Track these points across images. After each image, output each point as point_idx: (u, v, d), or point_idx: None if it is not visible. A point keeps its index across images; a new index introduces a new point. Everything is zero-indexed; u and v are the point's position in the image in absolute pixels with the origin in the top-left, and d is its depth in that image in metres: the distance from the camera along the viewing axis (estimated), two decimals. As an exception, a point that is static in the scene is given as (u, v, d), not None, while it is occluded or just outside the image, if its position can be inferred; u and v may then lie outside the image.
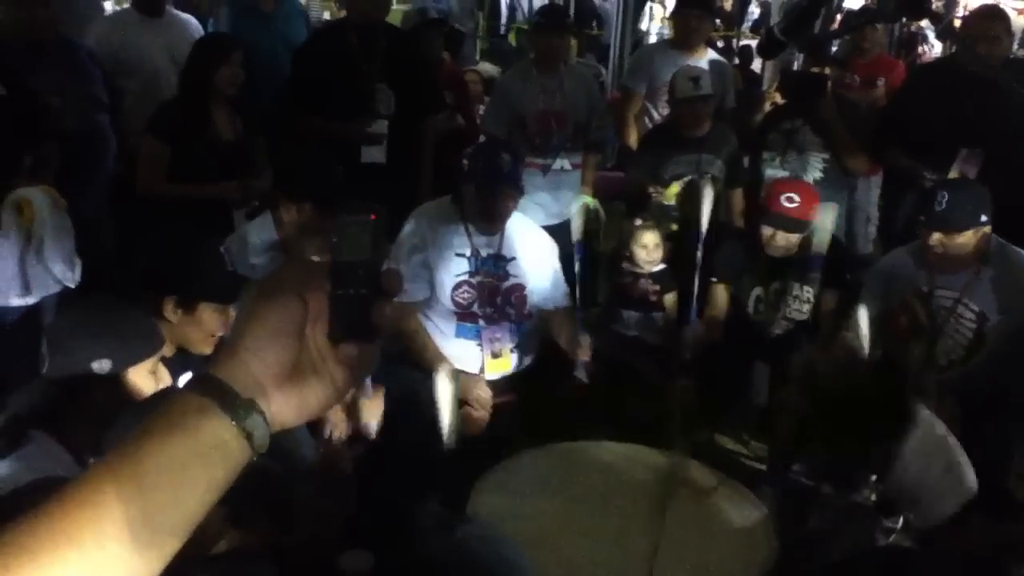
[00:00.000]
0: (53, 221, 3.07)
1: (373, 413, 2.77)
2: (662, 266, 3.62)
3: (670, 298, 3.63)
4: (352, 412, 2.72)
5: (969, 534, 2.48)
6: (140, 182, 3.51)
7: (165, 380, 2.00)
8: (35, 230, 3.05)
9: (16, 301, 3.08)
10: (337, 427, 2.71)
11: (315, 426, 2.60)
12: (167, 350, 2.22)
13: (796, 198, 3.25)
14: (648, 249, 3.58)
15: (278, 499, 2.11)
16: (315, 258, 0.73)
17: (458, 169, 3.13)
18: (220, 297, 2.25)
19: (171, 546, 0.66)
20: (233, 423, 0.68)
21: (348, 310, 0.70)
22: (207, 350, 2.28)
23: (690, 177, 3.96)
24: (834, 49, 5.34)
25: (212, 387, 0.69)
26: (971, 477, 2.39)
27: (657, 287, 3.60)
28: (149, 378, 1.95)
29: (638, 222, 3.64)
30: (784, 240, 3.27)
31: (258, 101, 3.83)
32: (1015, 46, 5.19)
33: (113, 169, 3.91)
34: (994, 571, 2.26)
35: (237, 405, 0.68)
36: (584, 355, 3.10)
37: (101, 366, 1.87)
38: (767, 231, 3.27)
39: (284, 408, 0.71)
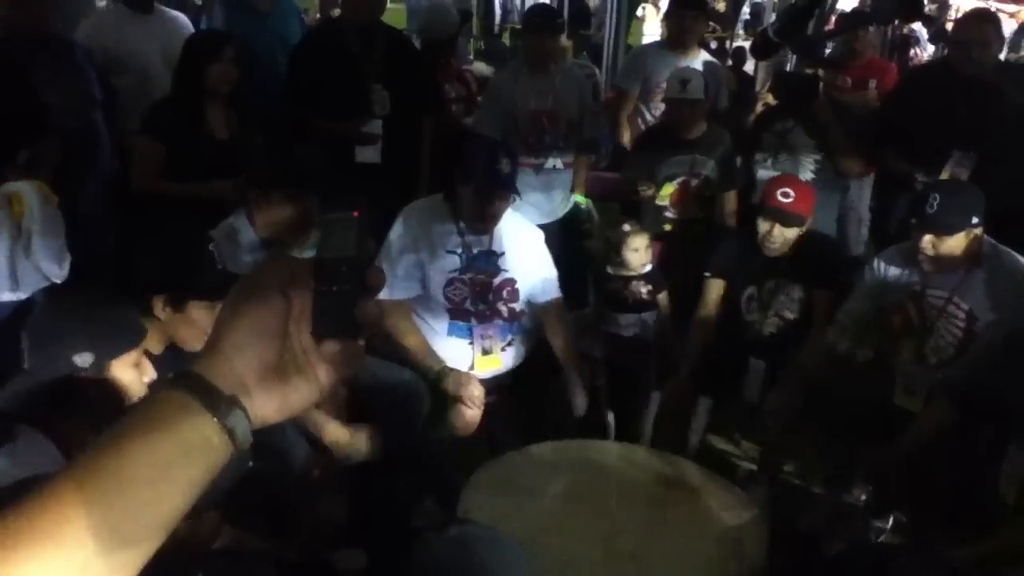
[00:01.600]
0: (43, 216, 3.06)
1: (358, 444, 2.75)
2: (650, 266, 3.63)
3: (663, 296, 3.64)
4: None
5: (959, 535, 2.49)
6: (135, 180, 3.49)
7: (149, 373, 1.99)
8: (25, 225, 3.04)
9: (6, 296, 3.08)
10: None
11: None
12: (157, 347, 2.21)
13: (792, 193, 3.27)
14: (639, 252, 3.58)
15: (273, 499, 2.11)
16: (293, 252, 0.73)
17: (455, 169, 3.12)
18: (210, 295, 2.24)
19: (151, 544, 0.66)
20: (215, 420, 0.68)
21: (332, 307, 0.70)
22: (197, 347, 2.27)
23: (683, 178, 3.97)
24: (827, 51, 5.35)
25: (194, 384, 0.68)
26: None
27: (650, 287, 3.61)
28: (132, 371, 1.95)
29: (626, 227, 3.64)
30: (780, 235, 3.27)
31: (254, 100, 3.82)
32: (1005, 50, 5.20)
33: (109, 167, 3.91)
34: (982, 573, 2.27)
35: (219, 402, 0.68)
36: (579, 405, 3.17)
37: (83, 359, 1.86)
38: (764, 226, 3.28)
39: (267, 405, 0.71)
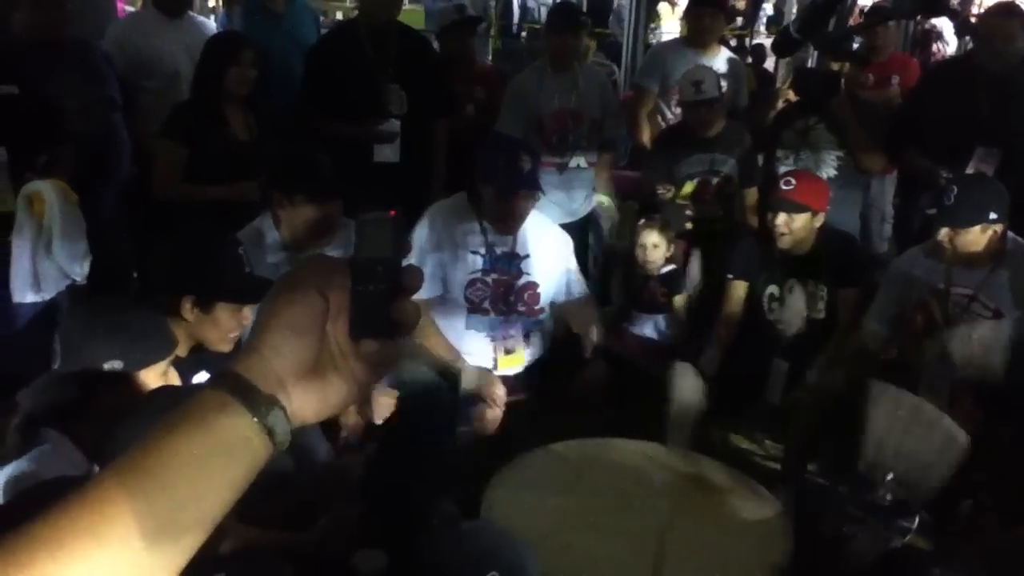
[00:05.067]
0: (63, 214, 3.08)
1: (384, 410, 2.78)
2: (671, 267, 3.60)
3: (679, 299, 3.61)
4: (364, 406, 2.72)
5: (986, 536, 2.47)
6: (156, 184, 3.51)
7: (175, 382, 2.00)
8: (45, 224, 3.06)
9: (30, 298, 3.10)
10: (351, 427, 2.72)
11: (329, 427, 2.60)
12: (183, 349, 2.22)
13: (793, 181, 3.25)
14: (646, 249, 3.55)
15: (293, 497, 2.12)
16: (318, 251, 0.74)
17: (476, 169, 3.12)
18: (237, 297, 2.25)
19: (193, 541, 0.66)
20: (255, 419, 0.68)
21: (369, 307, 0.70)
22: (225, 348, 2.28)
23: (703, 176, 3.95)
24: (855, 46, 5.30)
25: (234, 383, 0.69)
26: (959, 434, 2.49)
27: (665, 289, 3.59)
28: (160, 380, 1.96)
29: (641, 221, 3.62)
30: (786, 224, 3.24)
31: (271, 101, 3.83)
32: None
33: (128, 170, 3.93)
34: (1011, 574, 2.25)
35: (259, 401, 0.68)
36: (592, 339, 3.11)
37: (113, 367, 1.87)
38: (771, 216, 3.28)
39: (305, 405, 0.71)
